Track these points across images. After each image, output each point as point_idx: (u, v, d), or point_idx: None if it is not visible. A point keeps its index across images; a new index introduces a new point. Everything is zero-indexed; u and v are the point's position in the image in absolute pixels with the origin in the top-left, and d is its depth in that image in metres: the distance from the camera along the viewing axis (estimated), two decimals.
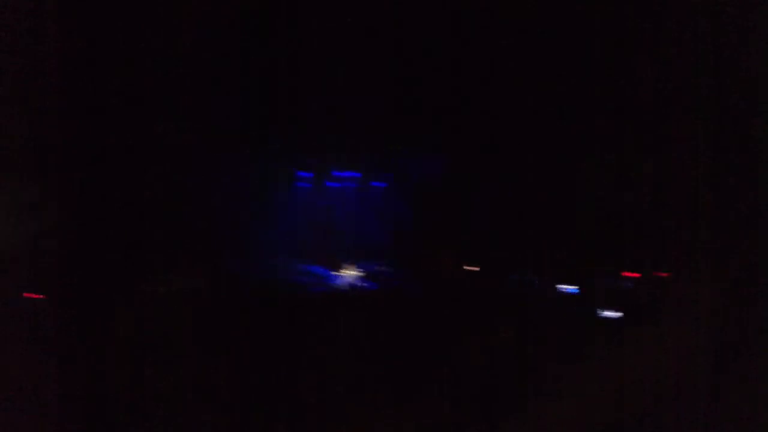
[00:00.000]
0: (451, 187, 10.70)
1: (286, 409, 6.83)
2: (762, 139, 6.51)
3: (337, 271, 11.07)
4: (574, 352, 7.03)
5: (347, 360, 7.31)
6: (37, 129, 6.74)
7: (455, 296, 8.53)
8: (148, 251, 7.68)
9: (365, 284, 10.50)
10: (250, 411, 6.74)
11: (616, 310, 7.63)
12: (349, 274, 10.79)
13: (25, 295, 6.72)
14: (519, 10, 8.23)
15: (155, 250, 7.71)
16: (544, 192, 8.60)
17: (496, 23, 8.59)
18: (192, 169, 8.66)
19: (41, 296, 6.76)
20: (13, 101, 6.54)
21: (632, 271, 7.88)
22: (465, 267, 9.55)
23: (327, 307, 8.74)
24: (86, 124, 7.21)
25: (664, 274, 7.62)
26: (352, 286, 10.51)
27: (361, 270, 10.84)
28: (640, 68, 7.43)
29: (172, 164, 8.26)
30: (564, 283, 8.32)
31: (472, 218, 9.77)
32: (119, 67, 7.34)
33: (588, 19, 7.73)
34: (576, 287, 8.20)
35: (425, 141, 10.90)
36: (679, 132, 7.12)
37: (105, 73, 7.28)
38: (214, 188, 9.33)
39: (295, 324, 7.81)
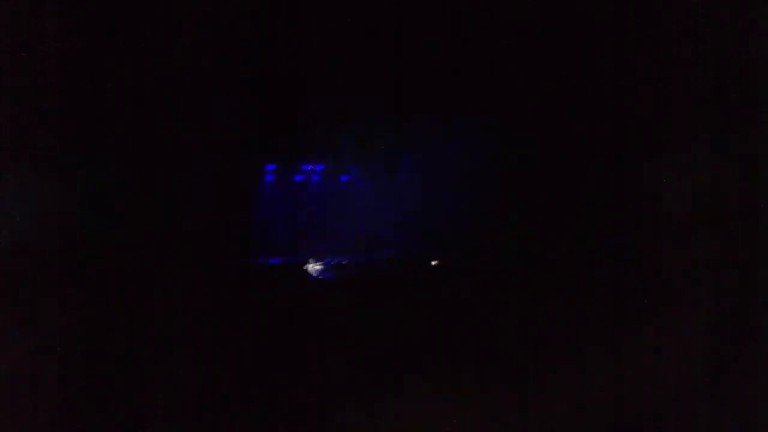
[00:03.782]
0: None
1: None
2: (762, 139, 6.53)
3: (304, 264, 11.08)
4: (575, 352, 7.05)
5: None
6: (37, 129, 6.75)
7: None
8: (144, 250, 7.67)
9: (324, 276, 10.50)
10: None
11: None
12: (313, 267, 10.78)
13: None
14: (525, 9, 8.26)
15: (148, 249, 7.70)
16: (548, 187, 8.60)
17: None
18: (180, 166, 8.65)
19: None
20: (13, 101, 6.55)
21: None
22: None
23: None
24: (87, 124, 7.23)
25: None
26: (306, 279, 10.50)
27: (325, 262, 10.86)
28: (637, 69, 7.45)
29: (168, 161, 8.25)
30: None
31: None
32: (121, 66, 7.35)
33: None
34: None
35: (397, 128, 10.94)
36: (679, 133, 7.14)
37: (105, 72, 7.29)
38: (200, 185, 9.32)
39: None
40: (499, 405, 6.74)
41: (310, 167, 12.17)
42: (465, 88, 9.09)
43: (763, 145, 6.49)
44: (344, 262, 11.01)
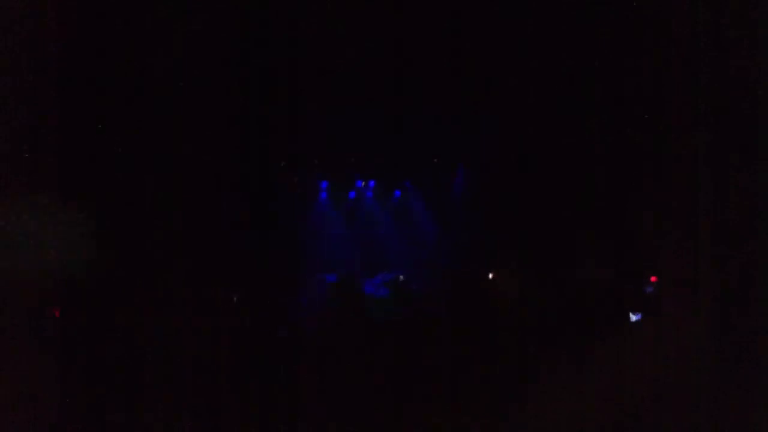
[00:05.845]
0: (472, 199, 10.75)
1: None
2: (762, 139, 6.53)
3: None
4: (575, 352, 7.05)
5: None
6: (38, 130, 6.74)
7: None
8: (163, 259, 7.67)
9: (380, 292, 10.45)
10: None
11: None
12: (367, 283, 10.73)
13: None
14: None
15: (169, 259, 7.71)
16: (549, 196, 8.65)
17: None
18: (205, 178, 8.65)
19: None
20: (13, 101, 6.53)
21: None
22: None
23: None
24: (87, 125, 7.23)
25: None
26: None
27: (381, 279, 10.80)
28: (637, 69, 7.47)
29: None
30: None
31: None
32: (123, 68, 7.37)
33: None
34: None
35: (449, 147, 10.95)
36: (679, 133, 7.15)
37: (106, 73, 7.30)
38: (232, 199, 9.33)
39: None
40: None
41: (362, 184, 12.09)
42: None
43: (764, 146, 6.50)
44: (399, 278, 10.86)
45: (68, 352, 6.52)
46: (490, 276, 9.43)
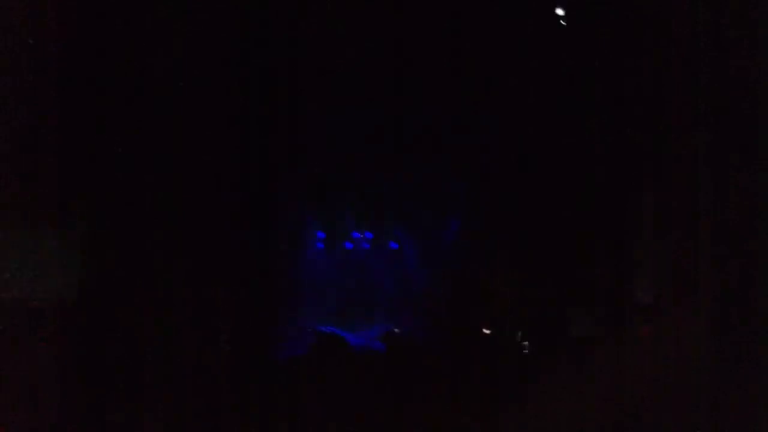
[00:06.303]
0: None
1: None
2: (762, 139, 6.52)
3: (353, 331, 10.93)
4: (575, 352, 7.05)
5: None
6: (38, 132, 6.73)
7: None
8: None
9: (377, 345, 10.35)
10: None
11: None
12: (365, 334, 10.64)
13: None
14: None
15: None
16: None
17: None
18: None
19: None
20: (13, 101, 6.51)
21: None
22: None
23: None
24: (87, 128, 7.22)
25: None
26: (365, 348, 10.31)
27: (375, 331, 10.72)
28: (637, 69, 7.47)
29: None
30: None
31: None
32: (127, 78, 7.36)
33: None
34: None
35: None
36: (679, 133, 7.14)
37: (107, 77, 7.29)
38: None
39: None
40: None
41: (359, 235, 12.07)
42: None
43: (764, 146, 6.49)
44: (394, 331, 10.72)
45: (68, 352, 6.51)
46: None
